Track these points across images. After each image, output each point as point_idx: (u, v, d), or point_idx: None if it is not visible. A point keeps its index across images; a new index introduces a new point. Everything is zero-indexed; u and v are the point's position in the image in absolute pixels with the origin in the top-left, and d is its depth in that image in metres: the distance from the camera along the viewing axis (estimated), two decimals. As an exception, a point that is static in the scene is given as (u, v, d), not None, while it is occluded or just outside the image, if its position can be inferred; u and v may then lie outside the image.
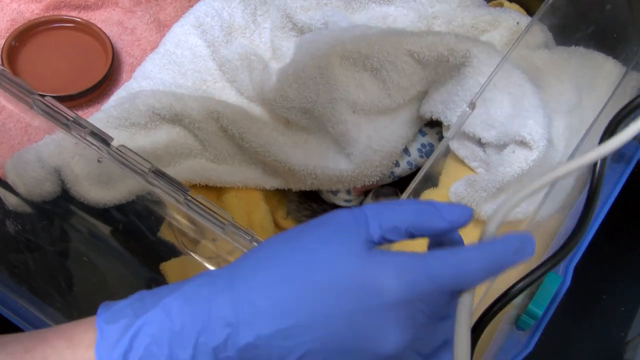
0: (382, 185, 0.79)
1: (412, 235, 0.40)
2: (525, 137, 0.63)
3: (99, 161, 0.58)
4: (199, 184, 0.78)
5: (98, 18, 0.98)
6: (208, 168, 0.79)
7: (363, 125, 0.73)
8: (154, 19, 0.99)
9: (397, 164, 0.77)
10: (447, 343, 0.43)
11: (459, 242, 0.44)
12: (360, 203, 0.81)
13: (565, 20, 0.69)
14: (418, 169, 0.79)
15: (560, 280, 0.68)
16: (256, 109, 0.83)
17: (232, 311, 0.38)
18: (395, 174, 0.78)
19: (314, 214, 0.82)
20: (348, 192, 0.81)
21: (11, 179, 0.70)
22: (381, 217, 0.40)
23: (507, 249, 0.39)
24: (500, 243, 0.40)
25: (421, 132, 0.77)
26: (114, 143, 0.56)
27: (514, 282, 0.63)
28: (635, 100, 0.60)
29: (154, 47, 0.96)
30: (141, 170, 0.55)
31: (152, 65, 0.89)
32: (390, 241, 0.40)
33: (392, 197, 0.77)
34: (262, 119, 0.78)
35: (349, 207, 0.82)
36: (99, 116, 0.78)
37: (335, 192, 0.81)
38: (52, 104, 0.55)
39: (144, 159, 0.55)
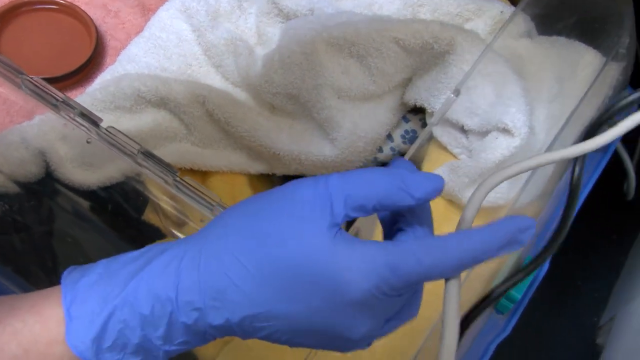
0: None
1: (377, 211, 0.39)
2: (508, 124, 0.64)
3: (87, 142, 0.58)
4: (184, 167, 0.78)
5: (82, 0, 0.98)
6: (193, 152, 0.79)
7: (348, 111, 0.74)
8: (138, 2, 0.99)
9: (380, 150, 0.78)
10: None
11: (426, 211, 0.43)
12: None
13: (548, 10, 0.70)
14: (401, 155, 0.80)
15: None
16: (241, 94, 0.83)
17: (198, 296, 0.37)
18: (378, 160, 0.79)
19: None
20: None
21: (-6, 159, 0.70)
22: (346, 196, 0.38)
23: (494, 243, 0.38)
24: (488, 232, 0.38)
25: (404, 118, 0.78)
26: (103, 124, 0.56)
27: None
28: (619, 103, 0.62)
29: (138, 30, 0.95)
30: (130, 151, 0.55)
31: (137, 48, 0.89)
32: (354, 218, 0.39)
33: None
34: (247, 104, 0.79)
35: None
36: (83, 99, 0.78)
37: None
38: (41, 85, 0.55)
39: (133, 140, 0.55)
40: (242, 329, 0.38)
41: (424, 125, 0.78)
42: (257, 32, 0.87)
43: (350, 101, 0.75)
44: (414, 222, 0.41)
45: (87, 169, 0.70)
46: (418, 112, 0.78)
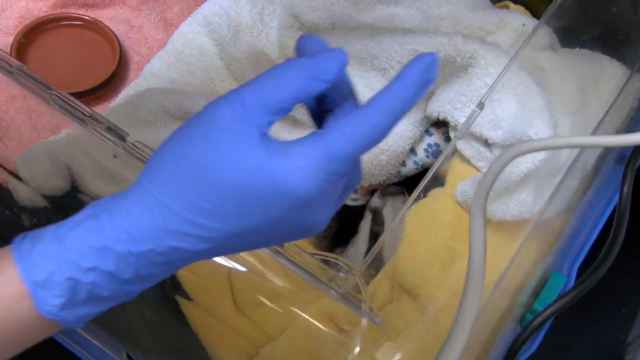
0: (389, 185, 0.80)
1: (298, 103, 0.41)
2: (532, 137, 0.64)
3: (114, 157, 0.59)
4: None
5: (105, 16, 0.99)
6: None
7: None
8: (161, 17, 1.00)
9: (403, 164, 0.78)
10: None
11: (345, 83, 0.44)
12: (367, 202, 0.82)
13: (572, 22, 0.70)
14: (424, 169, 0.80)
15: (564, 279, 0.69)
16: None
17: (157, 244, 0.39)
18: (401, 174, 0.79)
19: None
20: (355, 191, 0.81)
21: (22, 173, 0.70)
22: (264, 106, 0.39)
23: (410, 90, 0.40)
24: (401, 84, 0.40)
25: (428, 132, 0.78)
26: (129, 139, 0.57)
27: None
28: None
29: (161, 45, 0.97)
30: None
31: (160, 63, 0.89)
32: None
33: (400, 196, 0.78)
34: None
35: (356, 205, 0.83)
36: (107, 113, 0.79)
37: None
38: (69, 100, 0.56)
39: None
40: (211, 255, 0.41)
41: (447, 138, 0.78)
42: (279, 46, 0.88)
43: None
44: (337, 99, 0.43)
45: (112, 183, 0.71)
46: (441, 125, 0.78)
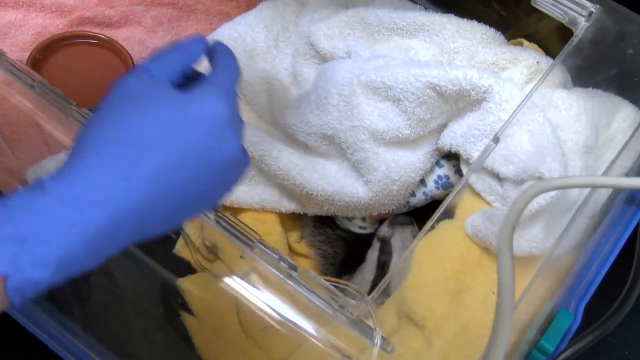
0: (398, 215, 0.80)
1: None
2: (544, 173, 0.64)
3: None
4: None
5: (120, 36, 1.00)
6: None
7: (382, 154, 0.75)
8: (175, 39, 1.01)
9: (413, 194, 0.78)
10: None
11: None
12: (375, 230, 0.82)
13: (587, 62, 0.71)
14: (433, 200, 0.80)
15: (572, 317, 0.69)
16: (275, 133, 0.84)
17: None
18: (410, 204, 0.79)
19: (327, 239, 0.83)
20: (363, 219, 0.82)
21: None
22: (166, 71, 0.49)
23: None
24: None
25: (438, 163, 0.78)
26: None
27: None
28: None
29: (174, 67, 0.97)
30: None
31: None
32: None
33: (408, 226, 0.78)
34: (281, 142, 0.80)
35: (364, 233, 0.83)
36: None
37: (350, 219, 0.82)
38: (87, 115, 0.56)
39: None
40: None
41: (458, 171, 0.78)
42: (293, 73, 0.88)
43: (385, 144, 0.75)
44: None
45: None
46: (452, 157, 0.79)
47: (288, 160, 0.77)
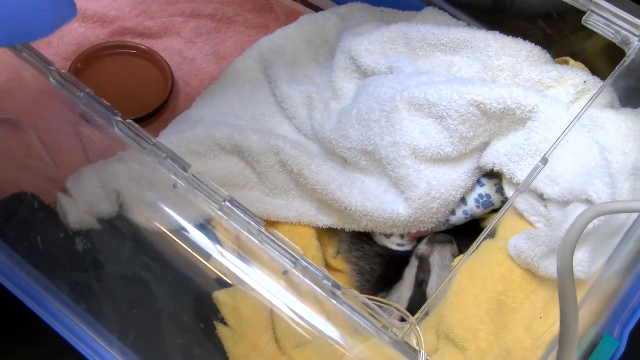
0: (437, 233, 0.79)
1: None
2: (592, 195, 0.63)
3: (174, 187, 0.59)
4: (254, 216, 0.78)
5: (159, 47, 1.00)
6: (263, 201, 0.80)
7: (423, 171, 0.74)
8: (214, 51, 1.01)
9: (453, 213, 0.77)
10: None
11: None
12: (413, 248, 0.81)
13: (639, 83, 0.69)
14: (473, 219, 0.79)
15: (617, 344, 0.67)
16: (313, 147, 0.83)
17: None
18: (450, 222, 0.78)
19: (365, 256, 0.82)
20: (402, 236, 0.81)
21: (72, 195, 0.71)
22: None
23: None
24: None
25: (479, 182, 0.77)
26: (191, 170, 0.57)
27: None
28: None
29: (213, 78, 0.97)
30: (216, 199, 0.56)
31: (212, 95, 0.90)
32: None
33: (448, 245, 0.77)
34: (320, 157, 0.79)
35: (402, 251, 0.82)
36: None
37: (388, 235, 0.81)
38: (133, 127, 0.56)
39: (220, 188, 0.55)
40: None
41: (499, 190, 0.77)
42: (332, 87, 0.88)
43: (427, 162, 0.74)
44: None
45: (158, 212, 0.71)
46: (493, 176, 0.77)
47: (327, 175, 0.76)
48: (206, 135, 0.79)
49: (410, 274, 0.78)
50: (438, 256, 0.77)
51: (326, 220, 0.79)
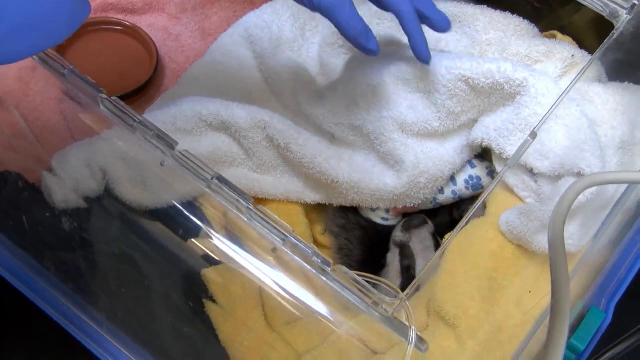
0: (412, 216, 0.79)
1: None
2: (584, 169, 0.63)
3: (161, 164, 0.58)
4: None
5: (144, 23, 0.99)
6: (251, 178, 0.79)
7: (411, 145, 0.73)
8: (199, 27, 1.00)
9: (441, 191, 0.77)
10: None
11: None
12: (397, 224, 0.81)
13: (629, 56, 0.69)
14: (460, 200, 0.79)
15: (603, 316, 0.68)
16: (301, 123, 0.83)
17: None
18: (437, 201, 0.78)
19: (347, 224, 0.82)
20: (387, 210, 0.80)
21: (57, 174, 0.70)
22: None
23: None
24: None
25: (471, 163, 0.77)
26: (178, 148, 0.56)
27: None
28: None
29: (198, 54, 0.96)
30: (204, 176, 0.55)
31: (198, 72, 0.89)
32: None
33: (423, 226, 0.77)
34: (308, 131, 0.78)
35: (385, 225, 0.82)
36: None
37: (374, 209, 0.81)
38: (119, 105, 0.55)
39: (207, 165, 0.55)
40: None
41: (490, 173, 0.77)
42: (320, 62, 0.87)
43: (414, 136, 0.74)
44: None
45: (145, 190, 0.70)
46: (485, 159, 0.77)
47: (314, 149, 0.76)
48: (192, 112, 0.78)
49: (394, 261, 0.78)
50: (417, 240, 0.76)
51: (314, 196, 0.79)
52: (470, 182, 0.76)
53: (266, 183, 0.79)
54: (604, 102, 0.70)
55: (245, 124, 0.77)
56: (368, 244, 0.83)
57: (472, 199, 0.80)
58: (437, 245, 0.77)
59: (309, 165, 0.75)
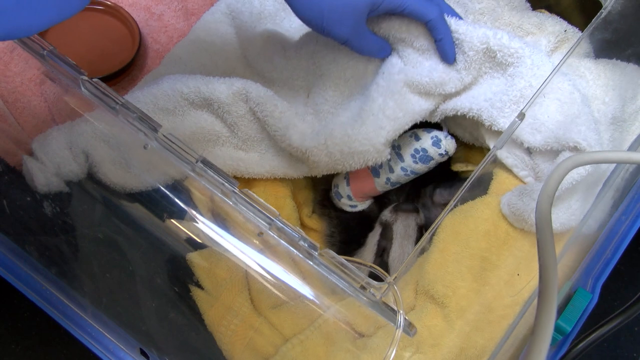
0: (403, 202, 0.79)
1: None
2: (581, 142, 0.62)
3: (144, 148, 0.57)
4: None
5: (125, 2, 0.97)
6: (235, 157, 0.78)
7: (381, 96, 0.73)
8: (182, 6, 0.98)
9: (391, 170, 0.76)
10: None
11: None
12: (369, 209, 0.81)
13: (617, 35, 0.69)
14: (416, 175, 0.78)
15: (590, 297, 0.68)
16: (280, 92, 0.81)
17: None
18: (392, 180, 0.77)
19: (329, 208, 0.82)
20: (349, 197, 0.80)
21: (38, 157, 0.69)
22: None
23: None
24: None
25: (415, 136, 0.76)
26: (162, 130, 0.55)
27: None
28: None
29: (181, 34, 0.95)
30: (188, 159, 0.54)
31: (181, 51, 0.88)
32: None
33: (413, 214, 0.76)
34: (285, 104, 0.77)
35: (356, 211, 0.82)
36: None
37: (339, 197, 0.81)
38: (100, 87, 0.54)
39: (192, 149, 0.54)
40: None
41: (436, 142, 0.75)
42: (302, 30, 0.86)
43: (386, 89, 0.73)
44: None
45: (128, 173, 0.69)
46: (431, 130, 0.76)
47: (288, 122, 0.74)
48: (173, 90, 0.77)
49: (373, 240, 0.78)
50: (401, 225, 0.76)
51: (298, 170, 0.77)
52: (417, 156, 0.75)
53: (251, 161, 0.78)
54: (596, 77, 0.69)
55: (227, 98, 0.75)
56: (348, 225, 0.83)
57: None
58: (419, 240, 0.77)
59: (281, 138, 0.74)
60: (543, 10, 0.81)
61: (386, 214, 0.78)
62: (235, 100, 0.75)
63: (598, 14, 0.65)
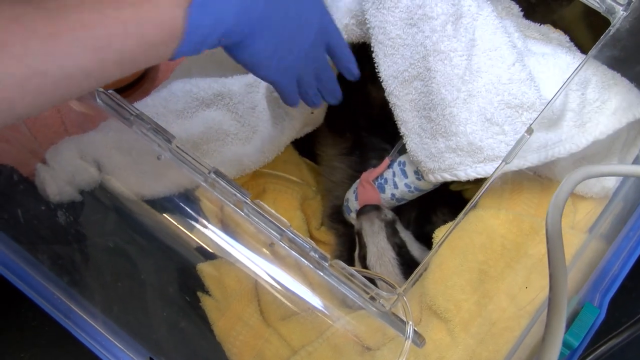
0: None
1: None
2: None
3: (158, 158, 0.58)
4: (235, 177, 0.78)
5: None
6: (240, 153, 0.78)
7: None
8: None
9: (395, 185, 0.78)
10: None
11: None
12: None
13: (625, 53, 0.69)
14: (420, 192, 0.79)
15: (597, 312, 0.68)
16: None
17: None
18: (396, 196, 0.79)
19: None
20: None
21: (52, 166, 0.70)
22: None
23: None
24: None
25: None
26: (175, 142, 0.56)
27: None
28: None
29: (192, 47, 0.96)
30: (201, 171, 0.55)
31: (191, 63, 0.89)
32: None
33: (372, 211, 0.77)
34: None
35: None
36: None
37: (348, 212, 0.82)
38: (115, 98, 0.55)
39: (205, 160, 0.55)
40: None
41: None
42: None
43: None
44: None
45: (141, 183, 0.70)
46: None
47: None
48: (182, 91, 0.77)
49: (356, 253, 0.78)
50: (366, 226, 0.76)
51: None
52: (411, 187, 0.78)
53: (254, 149, 0.78)
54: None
55: (239, 88, 0.76)
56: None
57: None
58: (394, 234, 0.77)
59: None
60: (548, 25, 0.81)
61: (356, 224, 0.79)
62: (248, 90, 0.76)
63: (606, 32, 0.66)
